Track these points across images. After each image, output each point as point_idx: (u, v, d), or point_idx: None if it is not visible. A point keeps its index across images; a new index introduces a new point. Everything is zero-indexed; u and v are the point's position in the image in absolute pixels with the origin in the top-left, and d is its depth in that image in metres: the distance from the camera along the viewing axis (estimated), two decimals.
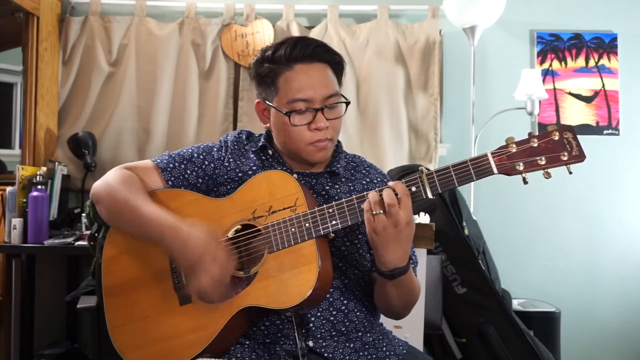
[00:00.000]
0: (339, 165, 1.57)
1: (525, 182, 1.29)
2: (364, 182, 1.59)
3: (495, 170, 1.29)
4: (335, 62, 1.53)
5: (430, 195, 1.31)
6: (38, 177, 2.87)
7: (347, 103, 1.54)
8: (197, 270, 1.33)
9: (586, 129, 3.53)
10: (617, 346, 3.51)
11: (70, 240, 2.82)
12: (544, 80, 3.49)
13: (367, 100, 3.48)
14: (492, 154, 1.30)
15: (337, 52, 1.55)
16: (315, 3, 3.56)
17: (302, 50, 1.48)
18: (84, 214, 2.99)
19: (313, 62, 1.49)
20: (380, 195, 1.30)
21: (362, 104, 3.49)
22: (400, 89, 3.48)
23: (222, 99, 3.47)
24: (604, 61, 3.57)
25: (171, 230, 1.37)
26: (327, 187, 1.54)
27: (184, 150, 1.60)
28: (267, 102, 1.53)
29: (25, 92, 3.26)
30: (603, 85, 3.56)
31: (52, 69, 3.38)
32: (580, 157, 1.28)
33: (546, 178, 1.29)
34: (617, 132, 3.54)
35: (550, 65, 3.58)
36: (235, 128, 3.47)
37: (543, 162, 1.28)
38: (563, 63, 3.58)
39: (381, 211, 1.28)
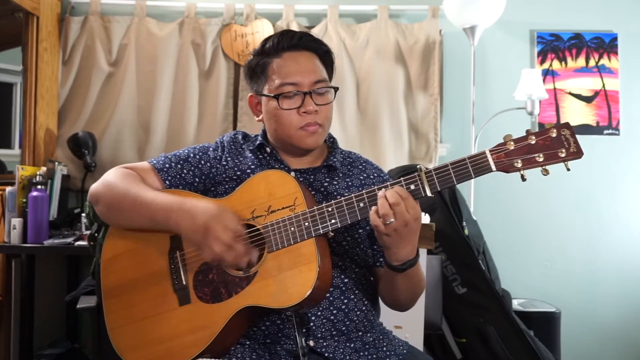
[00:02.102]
0: (335, 160, 1.58)
1: (523, 179, 1.30)
2: (361, 177, 1.60)
3: (493, 167, 1.30)
4: (322, 52, 1.57)
5: (429, 193, 1.32)
6: (38, 177, 2.86)
7: (336, 89, 1.56)
8: (207, 237, 1.34)
9: (586, 129, 3.53)
10: (617, 346, 3.51)
11: (70, 240, 2.82)
12: (544, 80, 3.49)
13: (367, 100, 3.48)
14: (490, 151, 1.30)
15: (324, 42, 1.59)
16: (315, 3, 3.56)
17: (289, 39, 1.53)
18: (84, 214, 2.99)
19: (301, 50, 1.54)
20: (386, 200, 1.30)
21: (362, 104, 3.49)
22: (400, 89, 3.48)
23: (222, 99, 3.48)
24: (604, 61, 3.57)
25: (176, 206, 1.39)
26: (326, 183, 1.55)
27: (180, 151, 1.62)
28: (258, 93, 1.56)
29: (25, 92, 3.26)
30: (603, 85, 3.55)
31: (52, 69, 3.39)
32: (577, 153, 1.28)
33: (544, 175, 1.29)
34: (617, 132, 3.54)
35: (551, 65, 3.58)
36: (235, 128, 3.47)
37: (541, 159, 1.29)
38: (563, 63, 3.58)
39: (393, 220, 1.29)
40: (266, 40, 1.56)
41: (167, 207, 1.41)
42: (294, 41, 1.53)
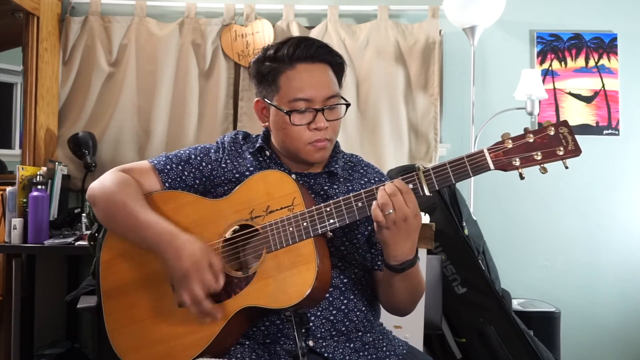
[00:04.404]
0: (337, 166, 1.57)
1: (521, 177, 1.30)
2: (362, 181, 1.59)
3: (491, 166, 1.30)
4: (336, 64, 1.54)
5: (427, 192, 1.32)
6: (38, 177, 2.86)
7: (347, 105, 1.54)
8: (182, 283, 1.34)
9: (586, 129, 3.53)
10: (617, 346, 3.51)
11: (70, 240, 2.83)
12: (543, 80, 3.49)
13: (367, 100, 3.48)
14: (488, 149, 1.30)
15: (339, 53, 1.55)
16: (315, 3, 3.56)
17: (305, 50, 1.48)
18: (84, 214, 2.99)
19: (315, 63, 1.50)
20: (385, 191, 1.30)
21: (362, 104, 3.49)
22: (400, 89, 3.48)
23: (222, 99, 3.48)
24: (603, 61, 3.57)
25: (167, 239, 1.38)
26: (326, 187, 1.54)
27: (181, 152, 1.60)
28: (267, 101, 1.53)
29: (25, 92, 3.26)
30: (603, 85, 3.55)
31: (52, 69, 3.39)
32: (575, 151, 1.28)
33: (542, 173, 1.29)
34: (617, 132, 3.54)
35: (550, 65, 3.58)
36: (235, 128, 3.47)
37: (539, 157, 1.29)
38: (563, 63, 3.58)
39: (391, 210, 1.29)
40: (280, 45, 1.51)
41: (158, 236, 1.39)
42: (310, 52, 1.48)
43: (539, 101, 3.31)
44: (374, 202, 1.31)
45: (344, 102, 1.53)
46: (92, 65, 3.46)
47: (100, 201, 1.50)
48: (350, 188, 1.56)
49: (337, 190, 1.54)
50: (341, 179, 1.57)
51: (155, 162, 1.58)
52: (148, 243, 1.41)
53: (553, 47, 3.58)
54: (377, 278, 1.54)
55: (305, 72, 1.48)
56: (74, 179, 3.37)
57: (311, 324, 1.44)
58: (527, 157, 1.29)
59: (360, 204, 1.35)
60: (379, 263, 1.53)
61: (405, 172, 2.76)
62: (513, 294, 3.14)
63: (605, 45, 3.57)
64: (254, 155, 1.58)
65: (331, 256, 1.43)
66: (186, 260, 1.34)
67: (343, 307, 1.47)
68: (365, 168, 1.63)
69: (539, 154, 1.28)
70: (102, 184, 1.52)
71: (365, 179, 1.60)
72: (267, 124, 1.57)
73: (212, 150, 1.60)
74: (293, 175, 1.51)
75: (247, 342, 1.46)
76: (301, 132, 1.48)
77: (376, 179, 1.61)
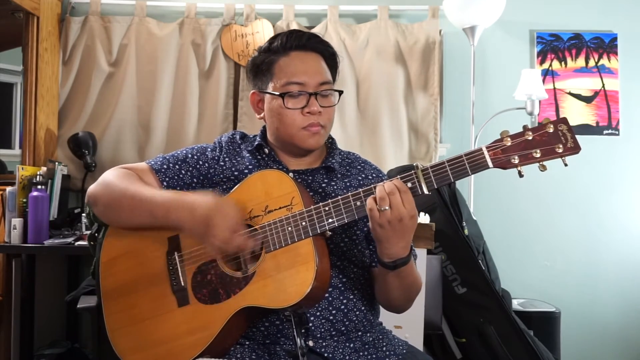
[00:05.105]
0: (334, 161, 1.58)
1: (520, 175, 1.29)
2: (360, 178, 1.60)
3: (490, 164, 1.29)
4: (329, 55, 1.57)
5: (426, 191, 1.32)
6: (38, 177, 2.86)
7: (340, 92, 1.57)
8: (208, 230, 1.34)
9: (586, 129, 3.52)
10: (617, 346, 3.51)
11: (70, 240, 2.82)
12: (543, 80, 3.49)
13: (367, 100, 3.48)
14: (487, 147, 1.30)
15: (331, 45, 1.59)
16: (315, 3, 3.56)
17: (297, 39, 1.53)
18: (84, 214, 2.99)
19: (308, 51, 1.54)
20: (384, 188, 1.31)
21: (362, 104, 3.50)
22: (400, 89, 3.48)
23: (222, 99, 3.48)
24: (604, 61, 3.56)
25: (175, 202, 1.39)
26: (324, 184, 1.55)
27: (178, 152, 1.62)
28: (262, 91, 1.56)
29: (25, 92, 3.26)
30: (603, 85, 3.55)
31: (52, 69, 3.39)
32: (575, 148, 1.27)
33: (541, 171, 1.29)
34: (617, 132, 3.54)
35: (550, 65, 3.58)
36: (235, 128, 3.47)
37: (538, 155, 1.28)
38: (563, 63, 3.58)
39: (387, 207, 1.29)
40: (274, 38, 1.56)
41: (166, 203, 1.41)
42: (302, 41, 1.53)
43: (539, 101, 3.31)
44: (370, 198, 1.32)
45: (337, 89, 1.56)
46: (92, 65, 3.46)
47: (101, 195, 1.51)
48: (348, 184, 1.56)
49: (335, 187, 1.54)
50: (339, 175, 1.58)
51: (152, 162, 1.59)
52: (158, 215, 1.41)
53: (553, 47, 3.58)
54: (373, 274, 1.54)
55: (298, 59, 1.52)
56: (74, 179, 3.37)
57: (311, 324, 1.44)
58: (526, 154, 1.28)
59: (358, 203, 1.35)
60: (376, 260, 1.53)
61: (405, 172, 2.75)
62: (513, 294, 3.14)
63: (605, 45, 3.56)
64: (252, 153, 1.59)
65: (330, 255, 1.43)
66: (201, 210, 1.35)
67: (342, 306, 1.47)
68: (362, 164, 1.64)
69: (538, 151, 1.28)
70: (101, 181, 1.54)
71: (363, 175, 1.60)
72: (262, 115, 1.59)
73: (209, 149, 1.61)
74: (291, 174, 1.51)
75: (247, 343, 1.46)
76: (295, 116, 1.50)
77: (374, 175, 1.62)
